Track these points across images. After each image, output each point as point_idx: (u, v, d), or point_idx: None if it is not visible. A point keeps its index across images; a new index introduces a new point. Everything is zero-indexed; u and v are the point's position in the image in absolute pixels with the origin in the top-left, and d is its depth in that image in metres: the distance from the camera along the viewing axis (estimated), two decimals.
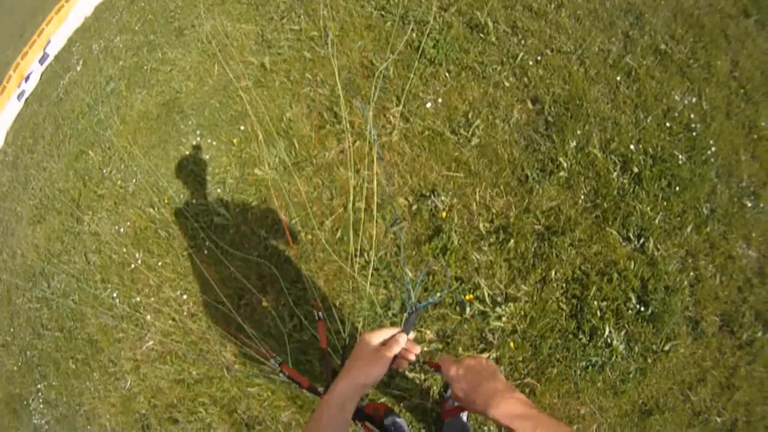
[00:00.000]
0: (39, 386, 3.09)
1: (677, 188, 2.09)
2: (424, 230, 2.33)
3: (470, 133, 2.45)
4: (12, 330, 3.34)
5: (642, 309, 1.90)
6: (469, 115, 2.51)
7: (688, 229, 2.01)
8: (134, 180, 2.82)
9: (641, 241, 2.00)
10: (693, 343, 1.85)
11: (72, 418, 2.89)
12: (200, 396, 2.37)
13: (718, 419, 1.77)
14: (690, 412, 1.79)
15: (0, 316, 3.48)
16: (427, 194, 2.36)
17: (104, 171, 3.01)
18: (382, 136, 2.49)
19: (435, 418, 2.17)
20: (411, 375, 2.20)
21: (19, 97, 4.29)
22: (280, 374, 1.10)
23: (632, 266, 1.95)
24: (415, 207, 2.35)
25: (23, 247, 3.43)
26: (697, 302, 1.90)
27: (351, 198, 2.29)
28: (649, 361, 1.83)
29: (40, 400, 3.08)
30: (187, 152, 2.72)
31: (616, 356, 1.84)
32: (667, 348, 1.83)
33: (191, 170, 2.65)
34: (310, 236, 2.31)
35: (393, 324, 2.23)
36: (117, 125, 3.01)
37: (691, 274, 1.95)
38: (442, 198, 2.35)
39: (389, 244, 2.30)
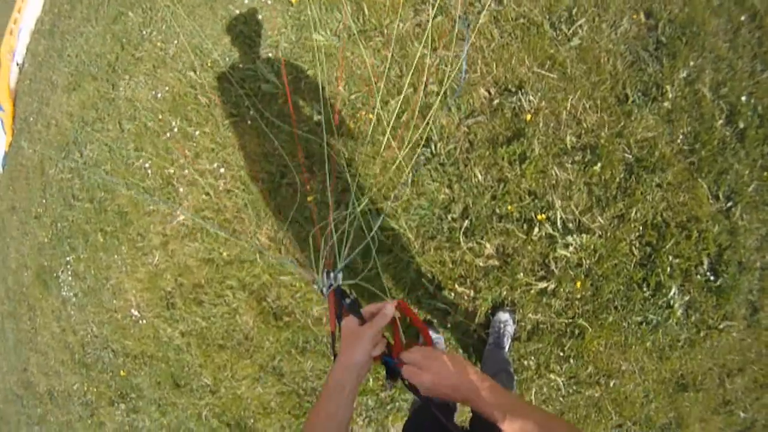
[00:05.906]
0: (68, 258, 3.06)
1: None
2: (503, 130, 1.99)
3: (571, 31, 2.05)
4: (44, 201, 3.30)
5: (711, 278, 1.76)
6: (573, 11, 2.07)
7: None
8: (176, 42, 2.52)
9: (729, 204, 1.78)
10: (745, 329, 1.75)
11: (99, 292, 2.86)
12: (229, 279, 2.22)
13: (742, 414, 1.75)
14: (720, 399, 1.76)
15: (33, 188, 3.44)
16: (513, 90, 2.00)
17: (144, 32, 2.72)
18: (468, 15, 2.07)
19: (476, 341, 1.99)
20: (460, 289, 1.99)
21: None
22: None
23: (714, 229, 1.75)
24: (496, 101, 1.99)
25: (57, 116, 3.28)
26: (763, 289, 1.76)
27: (424, 78, 1.93)
28: (701, 334, 1.74)
29: (69, 273, 3.07)
30: (238, 11, 2.37)
31: (673, 320, 1.73)
32: (721, 327, 1.73)
33: (240, 31, 2.32)
34: (370, 116, 1.99)
35: (451, 230, 1.97)
36: None
37: (767, 257, 1.78)
38: (530, 98, 2.00)
39: (461, 138, 1.96)
